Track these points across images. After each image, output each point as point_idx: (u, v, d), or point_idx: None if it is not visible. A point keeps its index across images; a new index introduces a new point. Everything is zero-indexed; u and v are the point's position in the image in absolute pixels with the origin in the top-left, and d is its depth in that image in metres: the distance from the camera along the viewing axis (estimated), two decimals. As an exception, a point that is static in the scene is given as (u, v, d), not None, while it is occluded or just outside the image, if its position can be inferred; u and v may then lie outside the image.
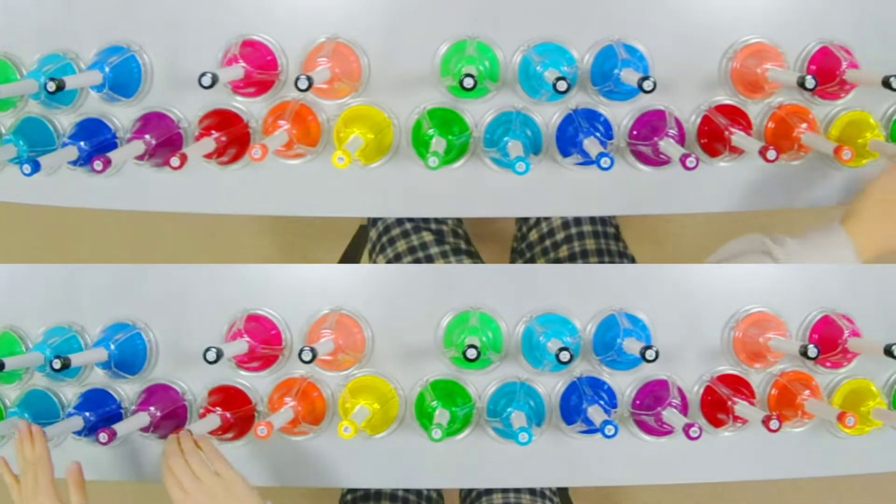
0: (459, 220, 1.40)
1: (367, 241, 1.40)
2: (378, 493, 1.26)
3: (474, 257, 1.37)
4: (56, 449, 1.15)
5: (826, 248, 1.02)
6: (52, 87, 0.98)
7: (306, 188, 1.15)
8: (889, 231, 1.02)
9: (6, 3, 1.13)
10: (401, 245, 1.32)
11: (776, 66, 1.09)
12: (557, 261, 1.31)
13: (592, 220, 1.32)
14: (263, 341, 1.11)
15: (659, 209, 1.16)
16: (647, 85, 0.99)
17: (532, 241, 1.35)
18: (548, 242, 1.33)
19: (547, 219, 1.34)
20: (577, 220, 1.32)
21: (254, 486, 1.01)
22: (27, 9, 1.13)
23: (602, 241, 1.30)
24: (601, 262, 1.29)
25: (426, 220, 1.34)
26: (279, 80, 1.12)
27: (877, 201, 1.02)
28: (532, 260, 1.35)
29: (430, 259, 1.31)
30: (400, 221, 1.34)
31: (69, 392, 1.16)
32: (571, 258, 1.30)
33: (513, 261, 1.42)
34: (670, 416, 1.08)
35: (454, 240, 1.35)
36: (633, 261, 1.33)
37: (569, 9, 1.11)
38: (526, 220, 1.39)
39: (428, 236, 1.32)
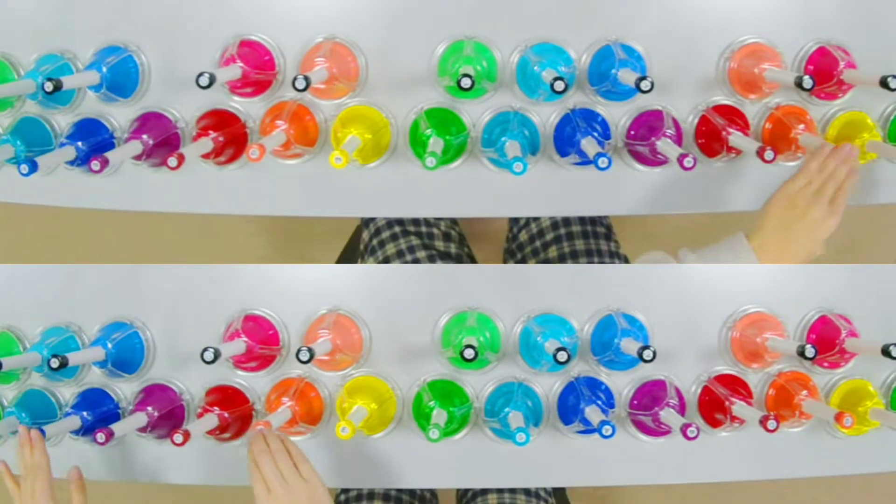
0: (454, 221, 1.40)
1: (361, 242, 1.41)
2: (371, 493, 1.27)
3: (464, 259, 1.37)
4: (54, 448, 1.15)
5: (732, 262, 1.07)
6: (49, 87, 0.98)
7: (304, 188, 1.15)
8: (785, 245, 1.06)
9: (4, 3, 1.13)
10: (390, 248, 1.32)
11: (773, 66, 1.09)
12: (547, 261, 1.31)
13: (582, 220, 1.32)
14: (261, 341, 1.11)
15: (656, 209, 1.16)
16: (645, 85, 0.99)
17: (522, 242, 1.36)
18: (538, 243, 1.33)
19: (536, 219, 1.34)
20: (567, 221, 1.32)
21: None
22: (25, 9, 1.13)
23: (592, 241, 1.30)
24: (591, 262, 1.28)
25: (417, 222, 1.35)
26: (277, 80, 1.12)
27: (775, 217, 1.06)
28: (523, 260, 1.35)
29: (416, 262, 1.31)
30: (390, 224, 1.34)
31: (67, 392, 1.15)
32: (561, 258, 1.30)
33: (505, 261, 1.42)
34: (668, 416, 1.08)
35: (444, 243, 1.35)
36: (625, 260, 1.33)
37: (566, 9, 1.11)
38: (517, 220, 1.39)
39: (416, 240, 1.33)
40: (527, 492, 1.27)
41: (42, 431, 1.05)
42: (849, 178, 1.05)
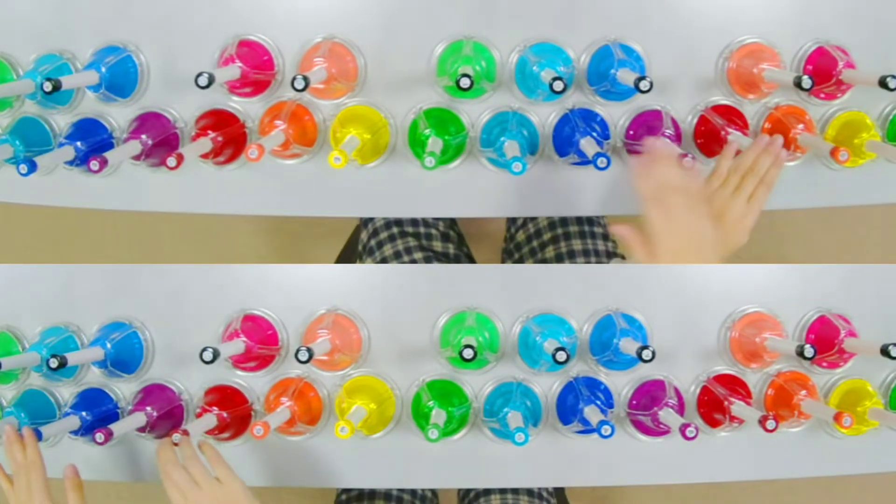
0: (452, 222, 1.40)
1: (359, 242, 1.41)
2: (372, 493, 1.27)
3: (462, 260, 1.37)
4: (53, 448, 1.15)
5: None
6: (48, 87, 0.98)
7: (303, 188, 1.15)
8: (705, 249, 1.00)
9: (4, 3, 1.13)
10: (387, 249, 1.32)
11: (772, 66, 1.09)
12: (544, 261, 1.31)
13: (579, 220, 1.32)
14: (260, 341, 1.11)
15: (655, 209, 1.16)
16: (644, 85, 0.99)
17: (520, 242, 1.36)
18: (535, 243, 1.33)
19: (534, 219, 1.34)
20: (564, 221, 1.32)
21: (251, 490, 1.01)
22: (24, 9, 1.13)
23: (589, 241, 1.30)
24: (588, 262, 1.28)
25: (415, 223, 1.34)
26: (276, 80, 1.12)
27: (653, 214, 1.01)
28: (520, 261, 1.35)
29: (413, 264, 1.31)
30: (388, 225, 1.34)
31: (66, 392, 1.15)
32: (558, 258, 1.30)
33: (503, 261, 1.42)
34: (667, 416, 1.08)
35: (442, 243, 1.35)
36: (622, 260, 1.33)
37: (565, 9, 1.11)
38: (514, 220, 1.39)
39: (413, 241, 1.32)
40: (529, 492, 1.27)
41: (39, 432, 1.05)
42: (771, 170, 1.03)
